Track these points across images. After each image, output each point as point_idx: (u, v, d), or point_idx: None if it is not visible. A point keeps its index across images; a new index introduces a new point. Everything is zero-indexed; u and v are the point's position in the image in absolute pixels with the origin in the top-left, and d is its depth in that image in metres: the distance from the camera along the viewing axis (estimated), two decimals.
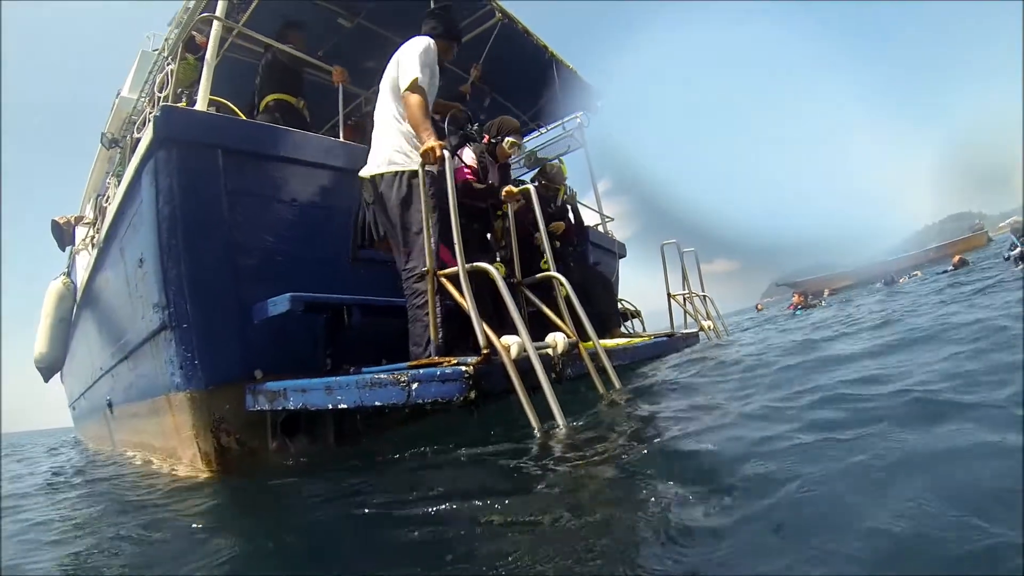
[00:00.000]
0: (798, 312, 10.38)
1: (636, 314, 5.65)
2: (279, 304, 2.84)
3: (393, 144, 2.95)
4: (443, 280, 2.59)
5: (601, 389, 2.73)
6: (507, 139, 3.93)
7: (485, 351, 2.32)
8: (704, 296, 5.47)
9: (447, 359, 2.47)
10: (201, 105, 3.29)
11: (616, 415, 2.44)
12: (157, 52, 5.54)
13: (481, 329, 2.37)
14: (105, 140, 6.37)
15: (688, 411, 2.37)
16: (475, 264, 2.56)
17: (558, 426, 2.22)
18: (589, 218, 6.04)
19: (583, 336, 2.99)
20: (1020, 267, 5.27)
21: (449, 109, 4.01)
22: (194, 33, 4.21)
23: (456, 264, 2.52)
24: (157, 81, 4.00)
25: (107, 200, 5.19)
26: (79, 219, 6.61)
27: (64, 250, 6.95)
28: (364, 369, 2.96)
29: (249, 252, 3.15)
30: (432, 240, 2.67)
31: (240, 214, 3.14)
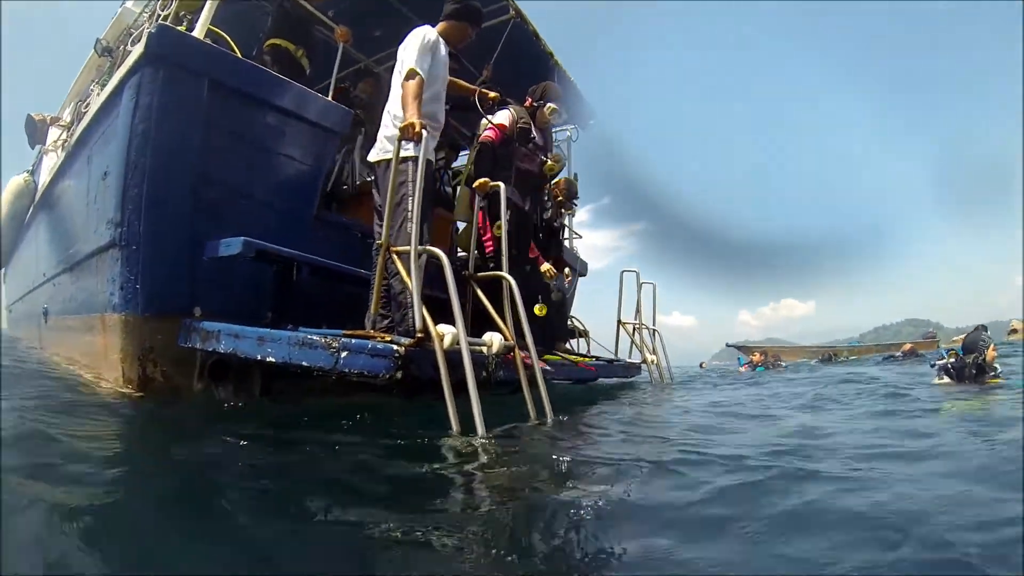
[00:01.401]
0: (759, 369, 10.57)
1: (584, 333, 5.70)
2: (231, 246, 2.82)
3: (386, 131, 3.06)
4: (395, 257, 2.61)
5: (530, 405, 2.74)
6: (549, 105, 4.02)
7: (420, 335, 2.35)
8: (653, 330, 5.52)
9: (382, 335, 2.49)
10: (199, 32, 3.22)
11: (533, 433, 2.49)
12: None
13: (420, 312, 2.39)
14: (99, 47, 6.20)
15: (604, 442, 2.44)
16: (427, 248, 2.58)
17: (476, 434, 2.23)
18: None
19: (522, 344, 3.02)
20: (937, 374, 5.59)
21: (468, 91, 4.04)
22: None
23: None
24: (159, 3, 3.93)
25: (86, 106, 5.08)
26: (55, 119, 6.45)
27: (33, 147, 6.76)
28: (302, 329, 2.96)
29: (213, 187, 3.11)
30: (406, 218, 2.71)
31: (213, 148, 3.10)
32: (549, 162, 4.24)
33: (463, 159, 5.61)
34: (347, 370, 2.34)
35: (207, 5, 3.35)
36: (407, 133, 2.71)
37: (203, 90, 3.06)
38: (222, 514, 1.46)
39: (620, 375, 4.97)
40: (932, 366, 5.89)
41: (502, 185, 3.38)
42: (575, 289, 6.32)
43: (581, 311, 5.85)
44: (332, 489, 1.67)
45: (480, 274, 3.22)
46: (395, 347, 2.31)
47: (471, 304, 3.19)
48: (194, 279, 3.06)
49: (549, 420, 2.71)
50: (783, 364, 11.27)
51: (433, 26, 3.33)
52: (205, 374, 3.10)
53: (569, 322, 5.44)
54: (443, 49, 3.26)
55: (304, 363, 2.42)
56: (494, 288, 3.22)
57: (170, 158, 3.00)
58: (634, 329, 5.36)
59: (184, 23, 3.88)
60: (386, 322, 2.82)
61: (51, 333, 5.14)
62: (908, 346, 10.32)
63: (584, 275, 6.73)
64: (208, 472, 1.85)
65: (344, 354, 2.35)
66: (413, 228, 2.55)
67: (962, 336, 6.26)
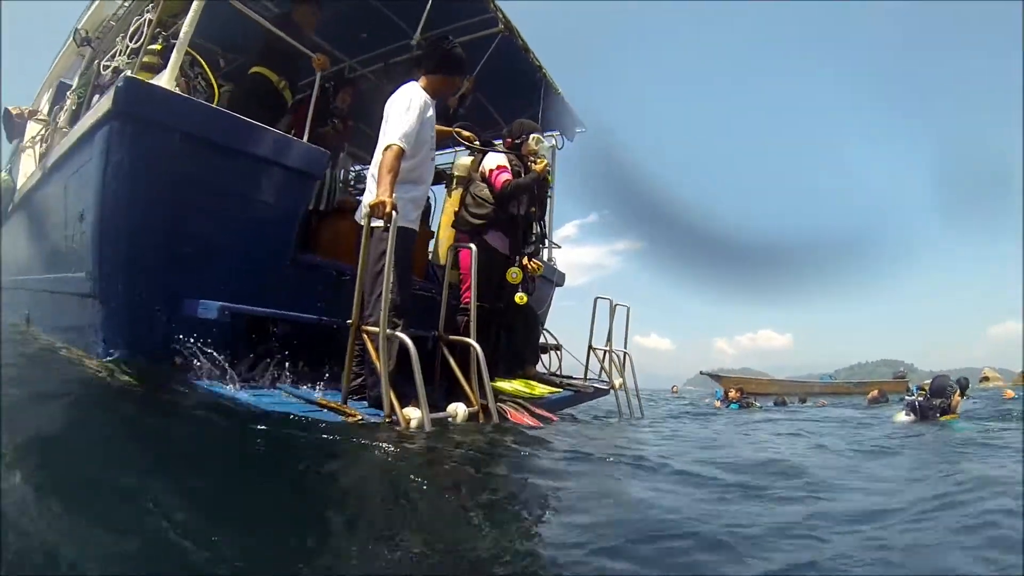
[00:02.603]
0: (732, 407, 10.62)
1: (556, 348, 5.84)
2: (209, 309, 2.94)
3: (368, 197, 3.12)
4: (365, 336, 2.72)
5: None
6: (534, 136, 4.15)
7: (388, 419, 2.49)
8: (624, 353, 5.60)
9: (351, 411, 2.63)
10: (168, 81, 3.17)
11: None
12: None
13: (387, 396, 2.52)
14: (77, 36, 6.07)
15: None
16: (395, 333, 2.68)
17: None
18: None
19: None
20: (905, 412, 5.86)
21: (445, 134, 4.08)
22: None
23: None
24: (133, 26, 3.86)
25: (63, 112, 5.03)
26: (32, 113, 6.35)
27: (11, 142, 6.68)
28: (279, 385, 3.09)
29: (189, 242, 3.16)
30: (377, 290, 2.81)
31: (186, 202, 3.13)
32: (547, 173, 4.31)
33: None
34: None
35: (175, 52, 3.28)
36: (376, 212, 2.77)
37: (174, 143, 3.06)
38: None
39: (589, 399, 5.17)
40: (900, 399, 6.18)
41: (472, 248, 3.46)
42: (550, 301, 6.42)
43: (555, 325, 5.96)
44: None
45: (452, 338, 3.33)
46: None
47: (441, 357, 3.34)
48: (173, 330, 3.14)
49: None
50: (757, 404, 11.38)
51: (417, 79, 3.33)
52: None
53: (542, 337, 5.55)
54: (431, 110, 3.26)
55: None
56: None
57: (143, 216, 3.03)
58: (604, 354, 5.46)
59: (160, 40, 3.84)
60: (359, 381, 2.95)
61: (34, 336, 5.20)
62: (875, 392, 10.37)
63: (561, 285, 6.83)
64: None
65: None
66: (384, 309, 2.64)
67: (930, 381, 6.56)
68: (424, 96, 3.21)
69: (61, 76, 6.97)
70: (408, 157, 3.04)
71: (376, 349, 2.65)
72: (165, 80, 3.17)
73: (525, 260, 4.31)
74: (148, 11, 3.73)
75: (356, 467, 2.13)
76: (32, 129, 6.08)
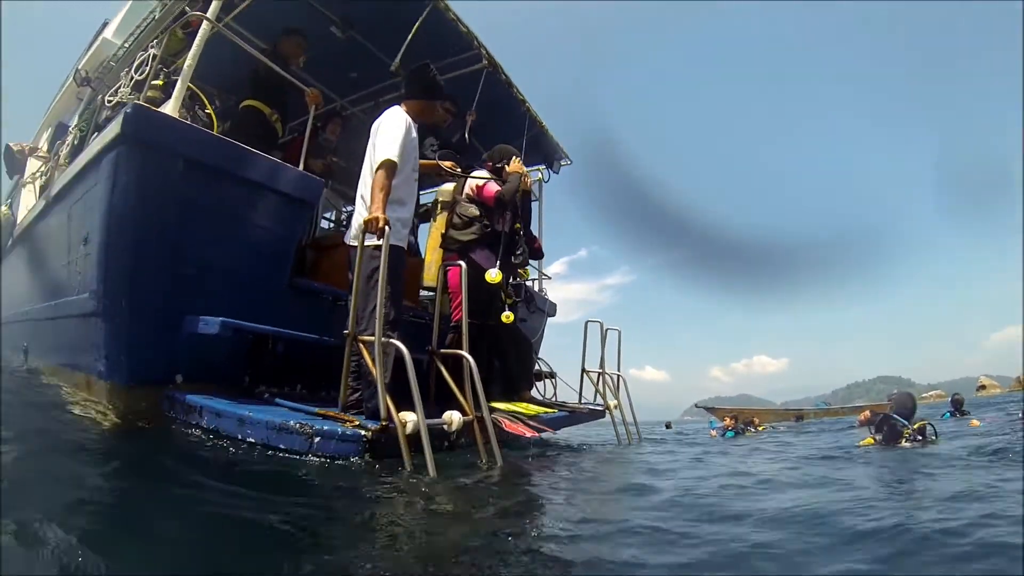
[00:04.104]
0: (729, 434, 10.53)
1: (550, 375, 5.90)
2: (210, 325, 3.02)
3: (358, 219, 3.23)
4: (361, 346, 2.83)
5: (483, 457, 3.05)
6: (514, 159, 4.33)
7: (385, 423, 2.57)
8: (618, 376, 5.63)
9: (350, 419, 2.71)
10: (172, 108, 3.33)
11: (479, 483, 2.76)
12: (153, 3, 5.48)
13: (384, 401, 2.61)
14: (78, 76, 6.26)
15: (543, 494, 2.71)
16: (390, 341, 2.79)
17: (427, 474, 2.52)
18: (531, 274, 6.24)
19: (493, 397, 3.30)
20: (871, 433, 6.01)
21: (430, 167, 4.27)
22: (187, 10, 4.24)
23: None
24: (137, 60, 4.05)
25: (65, 147, 5.17)
26: (33, 150, 6.50)
27: (12, 178, 6.81)
28: (278, 400, 3.17)
29: (191, 263, 3.27)
30: (371, 304, 2.92)
31: (189, 224, 3.25)
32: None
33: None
34: (320, 453, 2.58)
35: (179, 81, 3.43)
36: (370, 228, 2.91)
37: (178, 168, 3.19)
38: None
39: (581, 421, 5.23)
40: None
41: (462, 265, 3.59)
42: (543, 330, 6.55)
43: (550, 354, 6.06)
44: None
45: (442, 351, 3.42)
46: (363, 433, 2.56)
47: (436, 375, 3.42)
48: (174, 349, 3.23)
49: (498, 462, 3.04)
50: (754, 429, 11.41)
51: (400, 104, 3.50)
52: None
53: (536, 365, 5.65)
54: (414, 132, 3.42)
55: (281, 446, 2.65)
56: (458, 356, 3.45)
57: (148, 236, 3.14)
58: (598, 377, 5.52)
59: (162, 76, 4.02)
60: (356, 395, 3.03)
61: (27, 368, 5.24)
62: (866, 414, 10.47)
63: (553, 315, 6.97)
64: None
65: (317, 439, 2.60)
66: (379, 320, 2.75)
67: (933, 393, 6.64)
68: (407, 118, 3.37)
69: (60, 116, 7.16)
70: (396, 174, 3.19)
71: (372, 357, 2.75)
72: (170, 109, 3.31)
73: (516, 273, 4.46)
74: (152, 46, 3.92)
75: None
76: (32, 165, 6.23)
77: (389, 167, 3.12)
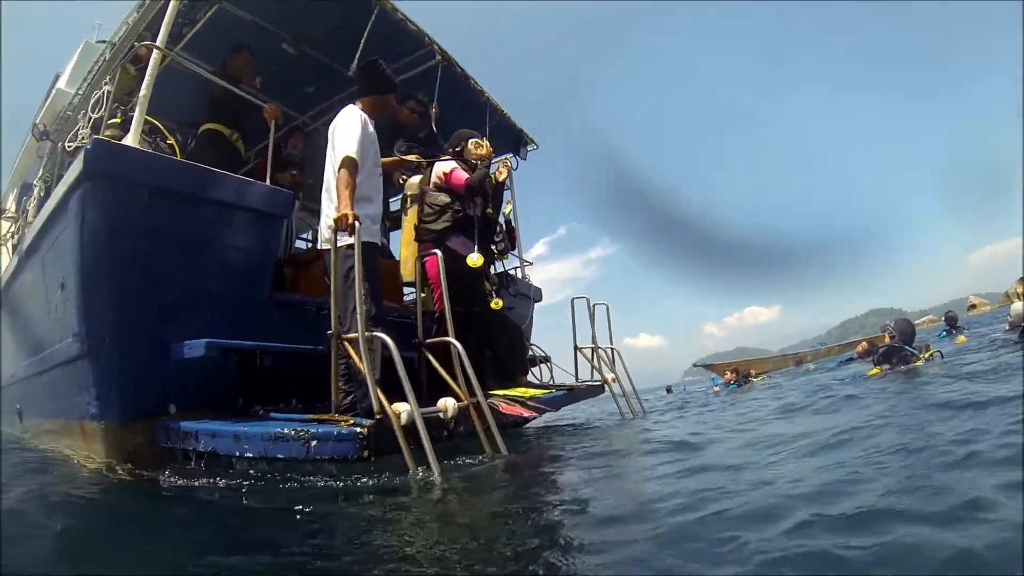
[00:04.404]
0: (732, 387, 10.74)
1: (545, 360, 5.88)
2: (195, 348, 3.01)
3: (326, 220, 3.23)
4: (346, 344, 2.82)
5: (487, 449, 3.02)
6: (471, 140, 4.31)
7: (378, 416, 2.57)
8: (612, 348, 5.62)
9: (344, 419, 2.70)
10: (132, 139, 3.32)
11: (485, 473, 2.75)
12: (101, 46, 5.47)
13: (375, 394, 2.60)
14: (36, 131, 6.24)
15: (552, 479, 2.70)
16: (374, 335, 2.78)
17: (433, 475, 2.52)
18: (511, 263, 6.24)
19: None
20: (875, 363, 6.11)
21: (403, 164, 4.27)
22: (136, 44, 4.23)
23: None
24: (93, 99, 4.03)
25: (32, 201, 5.15)
26: (1, 211, 6.46)
27: None
28: (272, 414, 3.16)
29: (169, 289, 3.25)
30: (351, 304, 2.91)
31: (163, 252, 3.24)
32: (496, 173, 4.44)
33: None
34: (319, 457, 2.57)
35: (137, 109, 3.44)
36: (340, 225, 2.90)
37: (144, 197, 3.17)
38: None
39: (580, 399, 5.21)
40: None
41: (439, 253, 3.58)
42: (532, 317, 6.54)
43: (543, 342, 6.05)
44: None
45: (429, 340, 3.42)
46: (358, 430, 2.54)
47: (425, 368, 3.41)
48: (164, 379, 3.22)
49: (503, 451, 3.02)
50: (754, 379, 11.58)
51: (354, 103, 3.50)
52: (192, 463, 3.28)
53: (530, 351, 5.63)
54: (371, 127, 3.42)
55: (280, 455, 2.63)
56: (447, 346, 3.44)
57: (123, 269, 3.13)
58: (592, 352, 5.52)
59: (119, 114, 4.01)
60: (349, 398, 3.01)
61: (29, 433, 5.21)
62: (864, 345, 10.62)
63: (540, 300, 6.97)
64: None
65: (314, 443, 2.58)
66: (360, 316, 2.74)
67: (925, 319, 6.80)
68: (362, 114, 3.38)
69: (24, 175, 7.16)
70: (359, 172, 3.19)
71: (359, 355, 2.74)
72: (129, 141, 3.31)
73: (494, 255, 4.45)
74: (106, 83, 3.90)
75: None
76: (3, 227, 6.18)
77: (350, 164, 3.12)
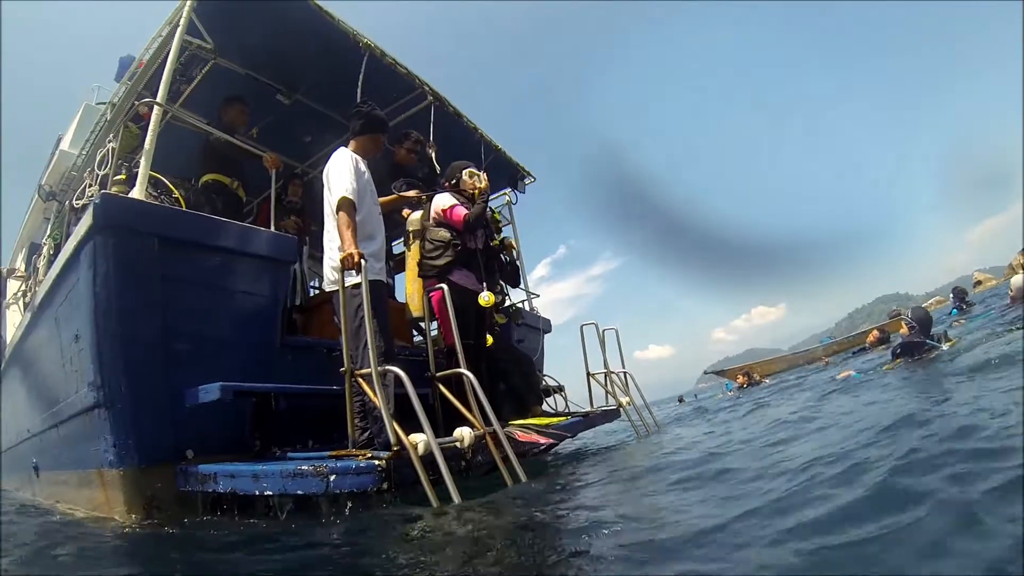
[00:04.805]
0: (742, 389, 10.79)
1: (559, 389, 5.90)
2: (210, 392, 3.05)
3: (330, 263, 3.32)
4: (359, 380, 2.88)
5: (508, 480, 3.01)
6: (465, 170, 4.39)
7: (396, 448, 2.60)
8: (624, 373, 5.66)
9: (363, 452, 2.74)
10: (139, 192, 3.44)
11: (506, 502, 2.76)
12: (102, 108, 5.64)
13: (391, 427, 2.64)
14: (42, 192, 6.39)
15: (574, 508, 2.72)
16: (388, 369, 2.84)
17: (452, 502, 2.53)
18: (515, 296, 6.30)
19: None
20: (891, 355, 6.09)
21: (403, 200, 4.39)
22: (136, 103, 4.38)
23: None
24: (98, 157, 4.16)
25: (41, 259, 5.25)
26: (11, 271, 6.57)
27: None
28: (290, 454, 3.19)
29: (182, 337, 3.33)
30: (362, 341, 2.98)
31: (174, 300, 3.33)
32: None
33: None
34: (338, 491, 2.59)
35: (142, 163, 3.55)
36: (347, 264, 2.98)
37: (154, 248, 3.28)
38: None
39: (596, 424, 5.21)
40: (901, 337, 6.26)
41: (444, 287, 3.65)
42: (542, 348, 6.60)
43: (554, 365, 6.08)
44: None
45: (440, 373, 3.47)
46: (376, 463, 2.57)
47: (440, 400, 3.46)
48: (180, 424, 3.26)
49: (523, 479, 3.02)
50: (766, 380, 11.51)
51: (347, 145, 3.61)
52: (209, 507, 3.30)
53: (543, 381, 5.66)
54: (363, 166, 3.52)
55: (299, 492, 2.66)
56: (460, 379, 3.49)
57: (136, 318, 3.21)
58: (605, 377, 5.54)
59: (124, 171, 4.14)
60: (366, 435, 3.05)
61: (45, 487, 5.22)
62: (875, 334, 10.43)
63: (548, 332, 7.04)
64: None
65: (333, 478, 2.59)
66: (371, 351, 2.80)
67: (933, 300, 6.70)
68: (354, 155, 3.49)
69: (32, 236, 7.28)
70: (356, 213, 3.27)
71: (373, 390, 2.79)
72: (136, 194, 3.43)
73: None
74: (110, 141, 4.03)
75: None
76: (13, 287, 6.29)
77: (347, 204, 3.21)
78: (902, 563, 1.31)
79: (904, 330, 6.13)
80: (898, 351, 5.98)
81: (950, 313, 10.64)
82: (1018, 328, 5.54)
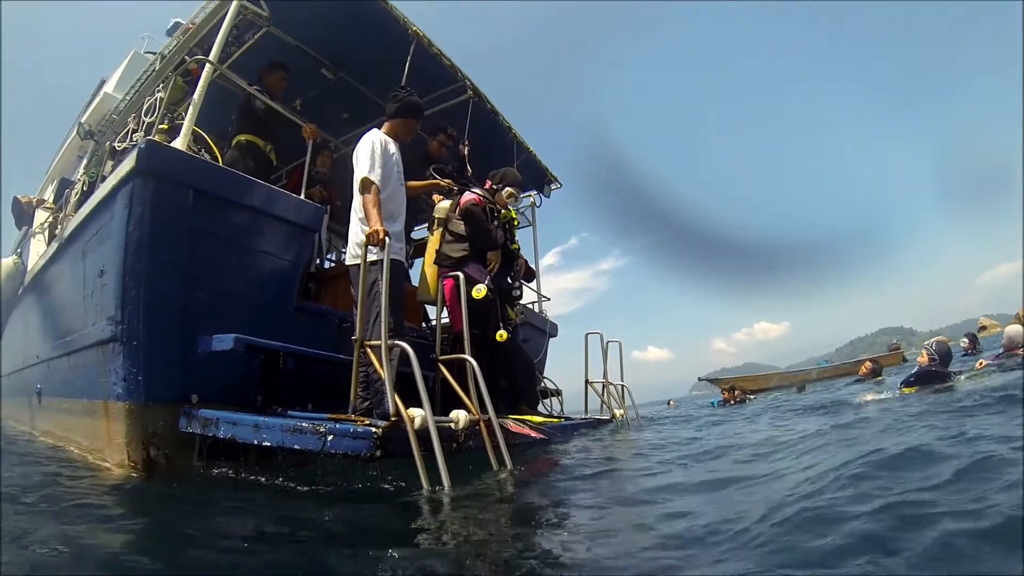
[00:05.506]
0: (726, 405, 10.78)
1: (556, 393, 6.05)
2: (224, 342, 3.19)
3: (354, 238, 3.45)
4: (368, 350, 3.00)
5: (494, 465, 3.14)
6: (507, 188, 4.47)
7: (394, 418, 2.72)
8: (622, 385, 5.80)
9: (361, 419, 2.86)
10: (182, 144, 3.59)
11: (494, 487, 2.87)
12: (150, 57, 5.79)
13: (392, 398, 2.77)
14: (81, 130, 6.54)
15: (556, 492, 2.82)
16: (395, 343, 2.96)
17: (443, 486, 2.62)
18: (526, 296, 6.41)
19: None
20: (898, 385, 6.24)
21: (435, 187, 4.53)
22: (188, 59, 4.53)
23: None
24: (146, 105, 4.30)
25: (74, 194, 5.40)
26: (40, 202, 6.74)
27: (20, 228, 7.03)
28: (290, 412, 3.32)
29: (203, 286, 3.47)
30: (374, 314, 3.10)
31: (200, 251, 3.47)
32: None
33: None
34: (333, 451, 2.71)
35: (188, 116, 3.71)
36: (372, 240, 3.12)
37: (189, 198, 3.43)
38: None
39: (586, 430, 5.32)
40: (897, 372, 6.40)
41: (460, 275, 3.77)
42: (546, 351, 6.72)
43: (556, 360, 6.18)
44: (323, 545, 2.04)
45: (444, 356, 3.59)
46: (373, 430, 2.69)
47: (440, 384, 3.58)
48: (189, 369, 3.40)
49: (509, 466, 3.14)
50: (751, 397, 11.54)
51: (380, 127, 3.73)
52: (204, 454, 3.43)
53: (542, 383, 5.77)
54: (392, 148, 3.64)
55: (296, 446, 2.78)
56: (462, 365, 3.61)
57: (163, 262, 3.35)
58: (603, 387, 5.66)
59: (167, 120, 4.28)
60: (366, 404, 3.18)
61: (46, 413, 5.38)
62: (868, 365, 10.34)
63: (555, 336, 7.14)
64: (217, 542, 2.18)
65: (330, 438, 2.72)
66: (383, 325, 2.92)
67: (935, 340, 6.68)
68: (383, 136, 3.61)
69: (63, 172, 7.45)
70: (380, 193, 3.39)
71: (379, 359, 2.91)
72: (179, 144, 3.57)
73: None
74: (159, 91, 4.18)
75: None
76: (40, 216, 6.45)
77: (371, 185, 3.34)
78: None
79: (925, 360, 6.32)
80: (912, 380, 6.14)
81: (961, 356, 10.38)
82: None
